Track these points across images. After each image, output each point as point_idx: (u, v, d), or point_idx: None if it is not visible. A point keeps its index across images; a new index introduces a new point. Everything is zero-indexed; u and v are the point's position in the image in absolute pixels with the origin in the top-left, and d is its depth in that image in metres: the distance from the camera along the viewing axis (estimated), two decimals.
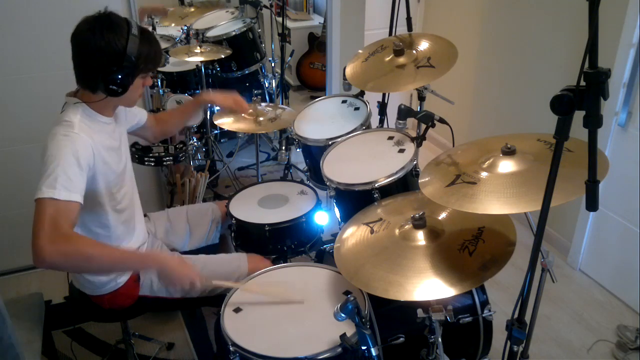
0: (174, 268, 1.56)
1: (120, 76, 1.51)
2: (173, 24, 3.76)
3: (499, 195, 1.31)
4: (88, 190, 1.53)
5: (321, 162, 2.07)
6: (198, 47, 3.07)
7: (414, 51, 2.16)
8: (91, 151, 1.52)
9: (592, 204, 1.11)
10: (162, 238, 2.01)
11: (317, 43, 4.89)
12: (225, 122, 2.55)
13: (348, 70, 2.26)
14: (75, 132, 1.51)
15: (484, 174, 1.39)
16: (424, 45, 2.18)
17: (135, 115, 1.93)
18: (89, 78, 1.56)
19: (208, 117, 3.17)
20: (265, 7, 3.73)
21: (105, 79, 1.51)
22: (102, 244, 1.60)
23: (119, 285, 1.75)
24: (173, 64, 3.35)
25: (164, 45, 3.48)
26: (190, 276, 1.58)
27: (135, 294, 1.79)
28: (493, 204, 1.29)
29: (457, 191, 1.37)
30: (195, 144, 2.94)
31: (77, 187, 1.45)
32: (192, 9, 3.83)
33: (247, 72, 3.55)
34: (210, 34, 3.44)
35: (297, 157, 3.49)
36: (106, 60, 1.50)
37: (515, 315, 1.27)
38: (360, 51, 2.35)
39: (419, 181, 1.50)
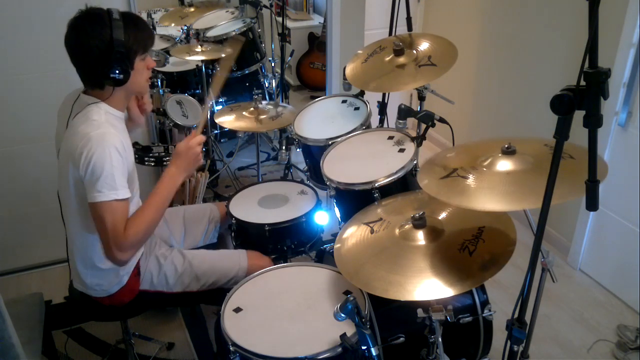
0: (181, 165, 1.70)
1: (117, 64, 1.53)
2: (173, 24, 3.76)
3: (495, 191, 1.31)
4: None
5: (321, 161, 2.07)
6: (198, 47, 3.07)
7: (414, 51, 2.16)
8: (123, 147, 1.57)
9: (592, 203, 1.11)
10: (159, 236, 2.01)
11: (317, 43, 4.88)
12: (226, 121, 2.55)
13: (348, 72, 2.26)
14: (111, 130, 1.55)
15: (482, 171, 1.39)
16: (423, 46, 2.17)
17: None
18: (92, 76, 1.58)
19: (208, 116, 3.17)
20: (265, 7, 3.73)
21: (105, 71, 1.53)
22: (144, 208, 1.65)
23: (122, 283, 1.76)
24: (173, 64, 3.35)
25: (164, 45, 3.48)
26: (198, 155, 1.72)
27: (136, 289, 1.80)
28: (487, 199, 1.30)
29: (451, 184, 1.37)
30: None
31: (126, 181, 1.57)
32: (192, 9, 3.84)
33: (247, 72, 3.55)
34: (210, 33, 3.44)
35: (297, 157, 3.49)
36: (98, 53, 1.51)
37: (516, 315, 1.27)
38: (359, 51, 2.34)
39: (419, 176, 1.50)
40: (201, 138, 1.74)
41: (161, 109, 2.88)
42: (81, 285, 1.78)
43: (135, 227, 1.57)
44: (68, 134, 1.59)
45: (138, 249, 1.65)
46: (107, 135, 1.53)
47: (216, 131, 3.50)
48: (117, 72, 1.54)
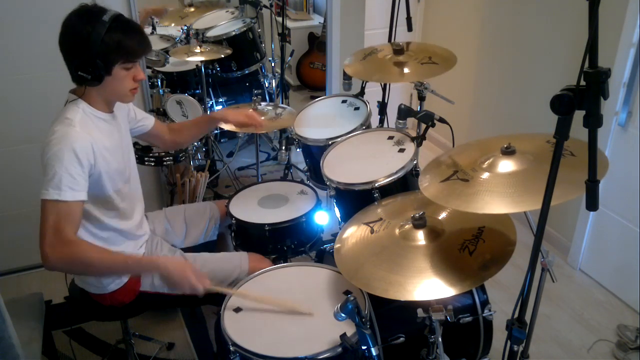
0: (173, 273, 1.57)
1: (88, 63, 1.50)
2: (173, 24, 3.76)
3: (495, 194, 1.31)
4: (90, 189, 1.55)
5: (321, 162, 2.08)
6: (198, 47, 3.07)
7: (413, 52, 2.16)
8: (91, 148, 1.53)
9: (592, 203, 1.11)
10: (161, 235, 2.02)
11: (317, 43, 4.88)
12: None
13: (348, 71, 2.26)
14: (77, 129, 1.52)
15: (484, 174, 1.39)
16: (422, 52, 2.18)
17: (141, 119, 1.92)
18: (70, 70, 1.57)
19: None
20: (265, 7, 3.73)
21: (77, 67, 1.51)
22: (102, 249, 1.61)
23: (123, 282, 1.76)
24: (173, 64, 3.34)
25: (163, 45, 3.47)
26: (191, 282, 1.56)
27: (137, 289, 1.80)
28: (487, 202, 1.30)
29: (451, 187, 1.37)
30: (196, 143, 2.94)
31: (81, 185, 1.50)
32: (192, 9, 3.83)
33: (247, 72, 3.55)
34: (210, 34, 3.44)
35: (297, 157, 3.49)
36: (75, 48, 1.51)
37: (516, 315, 1.27)
38: (347, 60, 2.32)
39: (420, 179, 1.50)
40: (203, 289, 1.58)
41: (161, 109, 2.88)
42: (81, 282, 1.79)
43: (84, 248, 1.51)
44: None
45: (67, 266, 1.52)
46: (70, 134, 1.50)
47: (216, 131, 3.50)
48: (86, 72, 1.51)
